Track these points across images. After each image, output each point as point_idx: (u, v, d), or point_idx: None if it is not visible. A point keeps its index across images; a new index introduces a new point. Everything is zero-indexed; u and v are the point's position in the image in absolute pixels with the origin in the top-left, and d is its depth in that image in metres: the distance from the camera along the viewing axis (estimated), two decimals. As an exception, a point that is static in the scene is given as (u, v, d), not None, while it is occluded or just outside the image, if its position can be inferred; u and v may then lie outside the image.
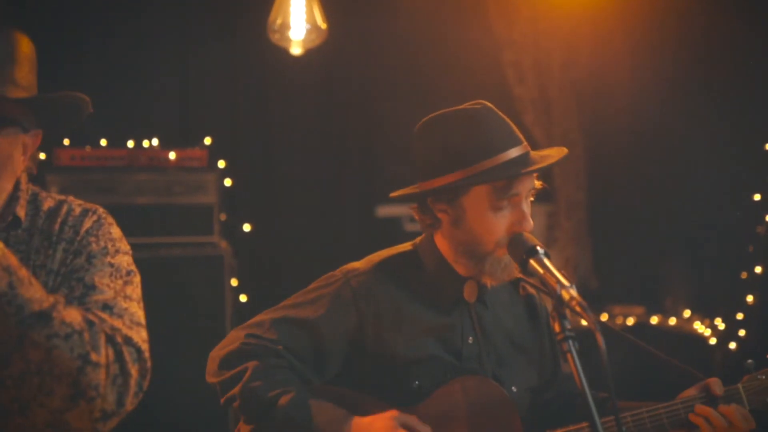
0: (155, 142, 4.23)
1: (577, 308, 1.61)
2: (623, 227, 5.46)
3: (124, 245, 1.78)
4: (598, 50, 5.26)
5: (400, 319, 2.09)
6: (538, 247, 1.85)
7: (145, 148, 4.18)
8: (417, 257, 2.16)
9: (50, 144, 4.09)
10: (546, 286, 1.75)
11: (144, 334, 1.65)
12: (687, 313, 5.10)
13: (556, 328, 1.63)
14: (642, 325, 5.04)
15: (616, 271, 5.55)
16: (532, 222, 2.00)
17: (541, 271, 1.79)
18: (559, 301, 1.65)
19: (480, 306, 2.18)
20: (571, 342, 1.60)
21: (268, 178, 5.16)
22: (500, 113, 2.09)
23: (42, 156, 4.07)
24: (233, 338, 2.09)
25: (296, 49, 4.33)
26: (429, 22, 5.08)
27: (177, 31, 4.81)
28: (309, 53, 4.46)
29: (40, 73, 1.73)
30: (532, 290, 2.31)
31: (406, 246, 2.21)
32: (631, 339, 2.22)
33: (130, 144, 4.20)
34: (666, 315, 5.14)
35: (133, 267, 1.76)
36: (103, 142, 4.20)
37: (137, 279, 1.75)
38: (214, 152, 4.26)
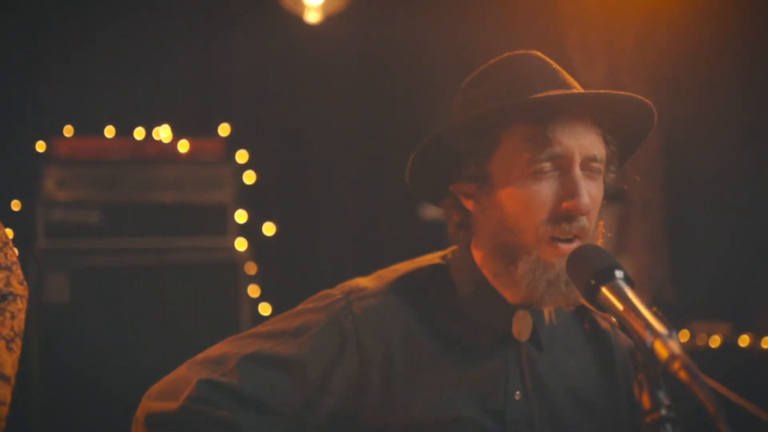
0: (166, 130, 3.78)
1: (682, 374, 1.03)
2: (706, 231, 4.98)
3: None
4: (679, 27, 4.76)
5: (420, 365, 1.53)
6: (617, 270, 1.24)
7: (152, 139, 3.83)
8: (448, 275, 1.60)
9: (48, 133, 3.68)
10: (628, 330, 1.15)
11: (4, 390, 1.17)
12: (784, 333, 4.49)
13: (645, 402, 1.07)
14: (729, 346, 4.41)
15: (697, 281, 5.00)
16: (587, 200, 1.44)
17: (620, 307, 1.18)
18: (650, 358, 1.08)
19: (533, 348, 1.58)
20: (670, 427, 1.04)
21: (295, 173, 4.67)
22: (550, 61, 1.58)
23: (40, 147, 3.67)
24: (180, 380, 1.52)
25: (313, 16, 3.79)
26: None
27: (192, 6, 4.32)
28: (343, 26, 3.93)
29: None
30: (604, 324, 1.69)
31: (434, 258, 1.66)
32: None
33: (137, 134, 3.79)
34: (758, 334, 4.49)
35: (12, 287, 1.27)
36: (109, 132, 3.78)
37: (16, 306, 1.26)
38: (233, 143, 3.88)
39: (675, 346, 1.05)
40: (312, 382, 1.50)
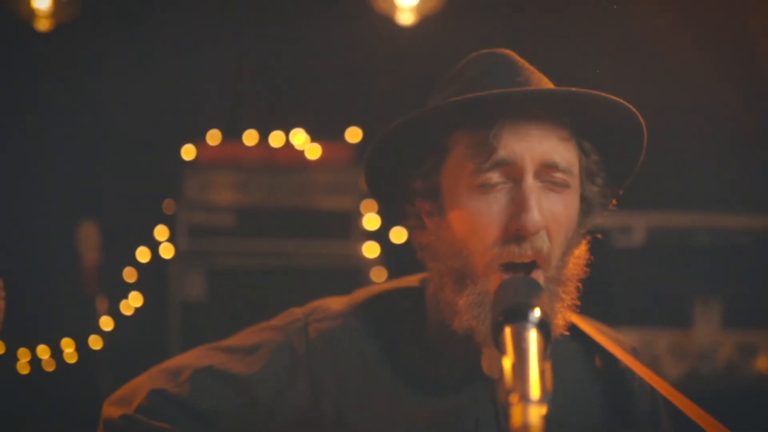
0: (300, 134, 3.83)
1: None
2: None
3: None
4: None
5: (374, 395, 1.36)
6: (532, 312, 1.01)
7: (285, 146, 3.88)
8: (420, 299, 1.41)
9: (192, 139, 3.85)
10: (499, 386, 0.95)
11: None
12: None
13: None
14: None
15: None
16: (538, 217, 1.20)
17: (511, 353, 0.97)
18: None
19: None
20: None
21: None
22: (519, 60, 1.33)
23: (185, 152, 3.84)
24: (136, 388, 1.44)
25: (406, 17, 3.65)
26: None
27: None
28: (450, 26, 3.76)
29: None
30: (626, 359, 1.40)
31: (414, 280, 1.46)
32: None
33: (273, 139, 3.85)
34: None
35: None
36: (247, 137, 3.88)
37: None
38: (362, 149, 3.81)
39: (532, 418, 0.89)
40: (263, 403, 1.38)
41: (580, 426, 1.38)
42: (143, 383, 1.43)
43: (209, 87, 4.15)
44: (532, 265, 1.24)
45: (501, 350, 1.00)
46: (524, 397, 0.91)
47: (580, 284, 1.31)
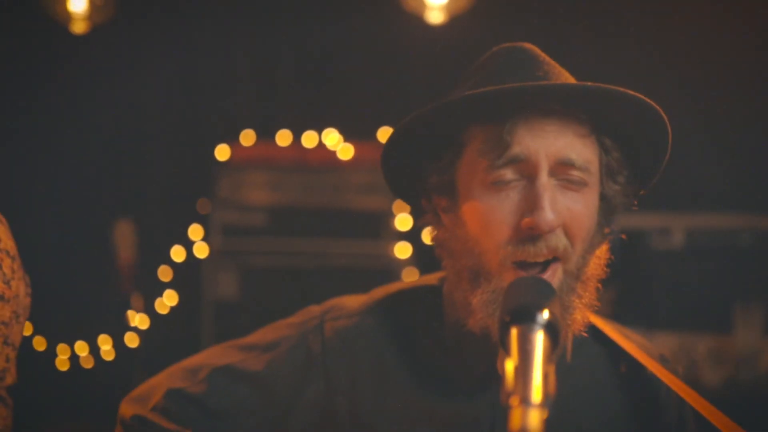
0: (333, 134, 3.83)
1: None
2: None
3: None
4: None
5: (389, 396, 1.34)
6: (540, 314, 0.98)
7: (317, 146, 3.87)
8: (438, 298, 1.38)
9: (225, 139, 3.88)
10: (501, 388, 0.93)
11: None
12: None
13: None
14: None
15: None
16: (552, 216, 1.16)
17: (516, 354, 0.95)
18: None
19: None
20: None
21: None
22: (539, 53, 1.29)
23: (219, 152, 3.87)
24: (155, 386, 1.43)
25: (435, 16, 3.61)
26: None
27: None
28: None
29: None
30: (654, 367, 1.35)
31: (432, 278, 1.43)
32: None
33: (306, 139, 3.84)
34: None
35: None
36: (280, 137, 3.89)
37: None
38: None
39: (532, 422, 0.86)
40: (279, 401, 1.37)
41: (605, 430, 1.34)
42: (161, 382, 1.43)
43: (243, 88, 4.17)
44: (548, 264, 1.20)
45: (506, 351, 0.98)
46: (525, 401, 0.88)
47: (600, 285, 1.28)
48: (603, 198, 1.26)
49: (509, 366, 0.92)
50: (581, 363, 1.36)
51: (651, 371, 1.35)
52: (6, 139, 3.99)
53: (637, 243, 4.09)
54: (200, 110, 4.13)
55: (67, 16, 3.59)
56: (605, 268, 1.28)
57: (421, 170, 1.31)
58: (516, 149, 1.18)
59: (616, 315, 4.14)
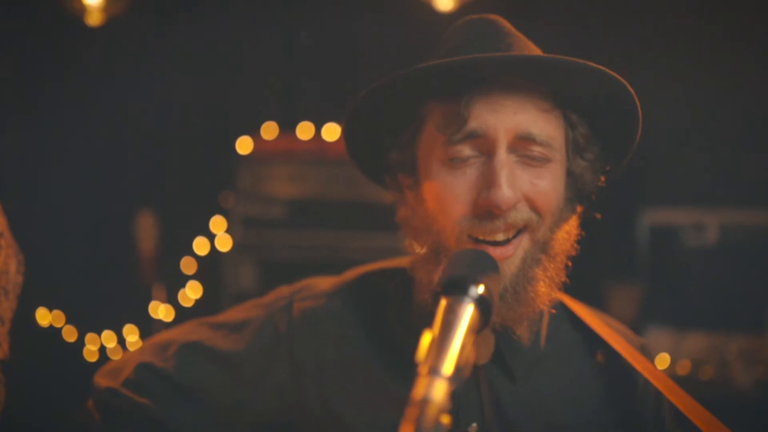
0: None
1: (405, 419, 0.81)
2: None
3: None
4: None
5: (356, 379, 1.31)
6: (474, 287, 0.95)
7: (334, 140, 3.85)
8: (409, 279, 1.32)
9: (241, 133, 3.88)
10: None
11: None
12: None
13: None
14: None
15: None
16: (508, 193, 1.12)
17: (436, 326, 0.92)
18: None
19: (500, 374, 1.27)
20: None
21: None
22: (505, 24, 1.24)
23: (240, 145, 3.87)
24: (127, 360, 1.43)
25: (445, 3, 3.55)
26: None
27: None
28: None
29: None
30: (630, 357, 1.29)
31: (405, 260, 1.38)
32: None
33: (326, 133, 3.81)
34: None
35: None
36: (300, 130, 3.88)
37: None
38: None
39: (436, 392, 0.82)
40: (246, 381, 1.35)
41: (576, 420, 1.29)
42: (134, 356, 1.44)
43: (264, 80, 4.16)
44: (508, 240, 1.17)
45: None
46: (434, 370, 0.85)
47: (569, 261, 1.24)
48: (570, 174, 1.22)
49: (427, 337, 0.89)
50: (556, 349, 1.32)
51: (628, 360, 1.29)
52: (26, 133, 4.06)
53: (668, 239, 3.97)
54: (222, 103, 4.14)
55: (82, 9, 3.63)
56: (575, 245, 1.24)
57: (383, 147, 1.28)
58: (473, 124, 1.14)
59: (645, 313, 4.04)
